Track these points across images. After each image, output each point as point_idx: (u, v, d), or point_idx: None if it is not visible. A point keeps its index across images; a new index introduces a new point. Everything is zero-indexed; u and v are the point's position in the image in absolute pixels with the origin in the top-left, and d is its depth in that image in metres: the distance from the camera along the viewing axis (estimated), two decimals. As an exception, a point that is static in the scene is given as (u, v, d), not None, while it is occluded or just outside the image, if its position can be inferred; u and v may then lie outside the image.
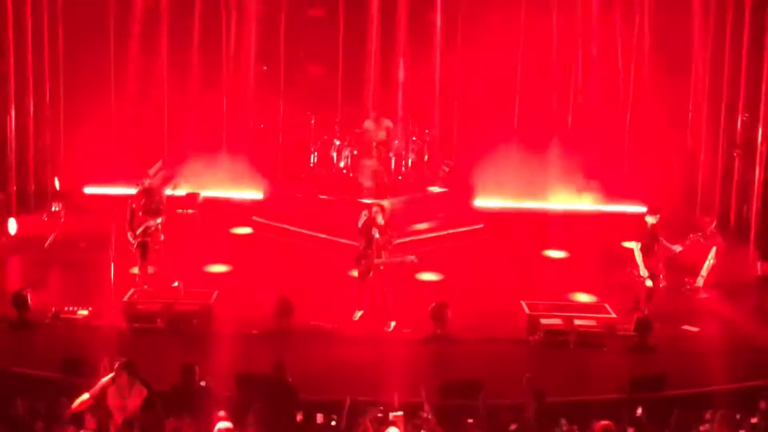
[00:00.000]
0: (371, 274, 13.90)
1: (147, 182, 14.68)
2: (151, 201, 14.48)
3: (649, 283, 14.12)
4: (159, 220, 14.48)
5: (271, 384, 10.65)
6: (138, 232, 14.39)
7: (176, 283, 14.52)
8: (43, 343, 13.29)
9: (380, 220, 13.85)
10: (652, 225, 14.17)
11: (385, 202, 16.27)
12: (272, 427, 10.24)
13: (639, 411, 10.28)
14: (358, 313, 14.10)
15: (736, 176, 17.81)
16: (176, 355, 12.30)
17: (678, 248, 14.44)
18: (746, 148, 17.57)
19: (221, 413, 10.07)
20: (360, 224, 14.04)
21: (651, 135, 19.04)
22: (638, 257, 14.17)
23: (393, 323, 13.95)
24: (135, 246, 14.43)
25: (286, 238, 17.43)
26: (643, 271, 14.11)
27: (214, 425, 9.64)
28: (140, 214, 14.44)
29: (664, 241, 14.22)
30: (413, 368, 12.55)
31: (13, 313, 13.63)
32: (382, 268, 13.85)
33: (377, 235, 13.77)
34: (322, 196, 17.91)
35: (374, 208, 13.97)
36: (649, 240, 14.16)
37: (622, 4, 18.92)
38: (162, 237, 14.56)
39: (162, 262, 14.64)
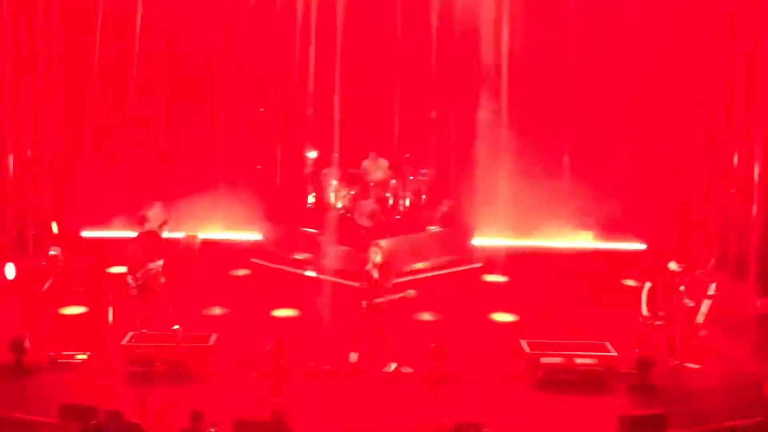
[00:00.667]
0: (369, 314, 13.85)
1: (147, 226, 14.67)
2: (151, 244, 14.47)
3: (658, 323, 14.06)
4: (160, 263, 14.46)
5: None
6: (138, 275, 14.38)
7: (176, 326, 14.47)
8: (41, 388, 13.21)
9: (378, 259, 13.85)
10: (673, 272, 14.13)
11: (383, 242, 16.29)
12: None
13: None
14: (354, 355, 14.03)
15: (734, 213, 17.82)
16: (176, 398, 12.25)
17: (691, 303, 14.39)
18: (743, 185, 17.59)
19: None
20: (367, 266, 13.99)
21: (647, 172, 19.07)
22: (644, 297, 14.14)
23: (394, 365, 13.88)
24: (135, 289, 14.39)
25: (284, 279, 17.40)
26: (645, 311, 14.07)
27: None
28: (140, 257, 14.41)
29: (683, 290, 14.11)
30: (414, 409, 12.50)
31: (11, 359, 13.55)
32: (383, 306, 13.80)
33: (376, 275, 13.76)
34: (320, 237, 17.92)
35: (372, 248, 13.98)
36: (663, 284, 14.11)
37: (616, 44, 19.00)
38: (162, 280, 14.53)
39: (162, 305, 14.60)
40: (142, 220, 14.74)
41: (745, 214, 17.58)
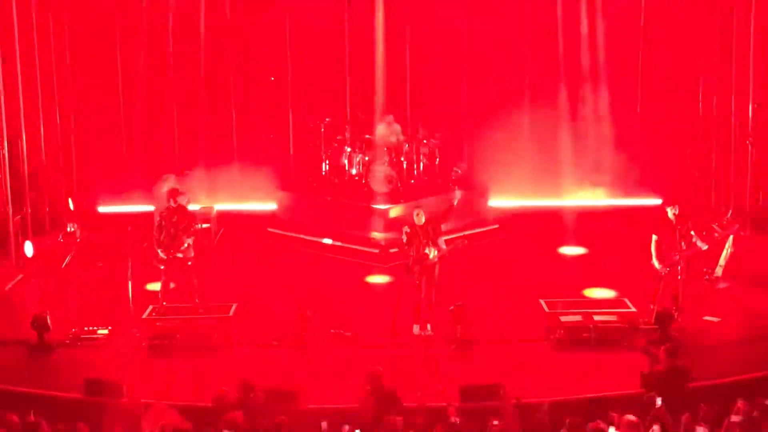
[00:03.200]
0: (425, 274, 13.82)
1: (182, 200, 14.67)
2: (182, 219, 14.48)
3: (668, 274, 14.03)
4: (191, 238, 14.48)
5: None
6: (171, 249, 14.39)
7: (196, 300, 14.57)
8: (64, 364, 13.31)
9: (422, 220, 13.86)
10: (674, 215, 14.05)
11: (399, 207, 16.32)
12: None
13: (659, 402, 10.18)
14: (417, 327, 13.97)
15: (750, 164, 17.73)
16: (198, 370, 12.34)
17: (704, 246, 14.28)
18: (759, 137, 17.49)
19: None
20: (405, 239, 13.97)
21: (663, 126, 18.97)
22: (654, 249, 14.09)
23: (417, 327, 13.91)
24: (166, 263, 14.42)
25: (301, 248, 17.44)
26: (657, 264, 14.03)
27: None
28: (171, 231, 14.42)
29: (693, 235, 14.05)
30: (435, 372, 12.54)
31: (34, 336, 13.66)
32: (437, 260, 13.77)
33: (428, 231, 13.71)
34: (335, 204, 17.93)
35: (415, 211, 13.99)
36: (669, 231, 14.05)
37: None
38: (192, 253, 14.56)
39: (191, 278, 14.63)
40: (173, 194, 14.73)
41: (761, 165, 17.48)
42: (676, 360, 11.29)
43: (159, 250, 14.43)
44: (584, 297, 14.91)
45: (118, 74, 19.13)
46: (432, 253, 13.75)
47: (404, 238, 13.96)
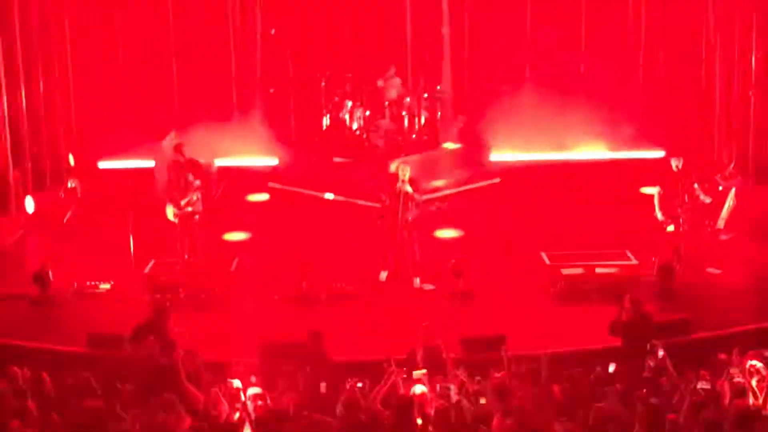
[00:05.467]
0: (399, 231, 13.85)
1: (187, 154, 14.60)
2: (191, 173, 14.42)
3: (670, 228, 14.02)
4: (200, 191, 14.44)
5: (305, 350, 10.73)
6: (183, 203, 14.35)
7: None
8: (66, 318, 13.36)
9: (407, 175, 13.82)
10: (677, 167, 14.01)
11: (398, 161, 16.26)
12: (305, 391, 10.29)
13: (660, 353, 10.24)
14: (384, 274, 14.08)
15: (753, 116, 17.64)
16: (199, 325, 12.37)
17: (708, 199, 14.27)
18: (761, 87, 17.38)
19: (252, 379, 10.11)
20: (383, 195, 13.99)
21: (665, 78, 18.86)
22: (657, 202, 14.06)
23: (418, 279, 13.94)
24: (177, 217, 14.39)
25: (303, 203, 17.42)
26: (660, 216, 14.00)
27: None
28: (181, 184, 14.36)
29: (697, 188, 14.03)
30: (436, 325, 12.56)
31: (36, 291, 13.68)
32: (410, 220, 13.79)
33: (409, 189, 13.71)
34: (337, 159, 17.88)
35: (400, 165, 13.95)
36: (672, 184, 14.01)
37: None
38: (201, 207, 14.52)
39: (196, 232, 14.60)
40: (180, 148, 14.66)
41: (764, 117, 17.40)
42: (640, 309, 11.37)
43: (170, 205, 14.39)
44: (586, 249, 14.89)
45: (117, 28, 18.99)
46: (410, 211, 13.74)
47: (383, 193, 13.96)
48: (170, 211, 14.35)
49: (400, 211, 13.74)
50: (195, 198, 14.41)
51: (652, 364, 10.20)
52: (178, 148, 14.74)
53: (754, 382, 9.76)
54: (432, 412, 9.16)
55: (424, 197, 14.23)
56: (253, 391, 9.68)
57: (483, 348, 11.41)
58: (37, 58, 17.87)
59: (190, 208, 14.35)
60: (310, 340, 10.90)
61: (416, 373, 9.94)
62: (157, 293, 13.56)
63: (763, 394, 9.67)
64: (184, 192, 14.36)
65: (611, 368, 10.61)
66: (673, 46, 18.70)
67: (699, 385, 9.46)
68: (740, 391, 9.49)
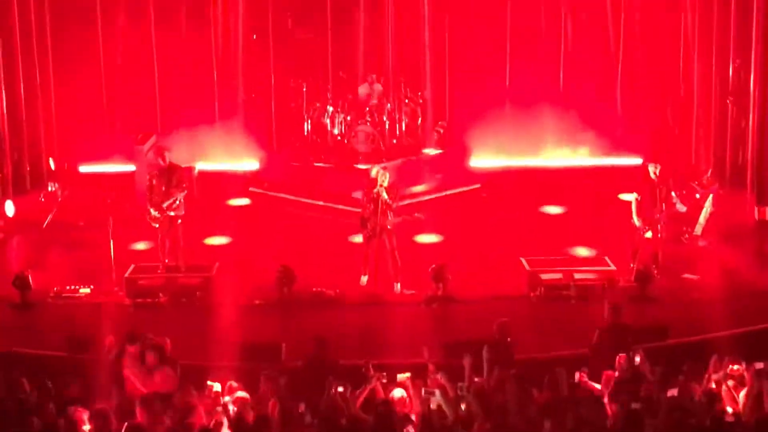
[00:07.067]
0: (378, 237, 13.90)
1: (168, 159, 14.53)
2: (173, 177, 14.39)
3: (649, 234, 14.13)
4: (182, 195, 14.42)
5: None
6: (165, 206, 14.31)
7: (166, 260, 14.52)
8: (46, 323, 13.32)
9: (386, 181, 13.87)
10: (654, 174, 14.11)
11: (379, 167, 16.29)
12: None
13: (637, 359, 10.32)
14: (365, 278, 14.12)
15: (731, 123, 17.78)
16: (180, 329, 12.37)
17: (683, 208, 14.40)
18: (739, 95, 17.53)
19: (233, 383, 10.13)
20: (363, 197, 14.03)
21: (643, 86, 18.98)
22: (634, 208, 14.18)
23: (399, 285, 13.98)
24: (159, 221, 14.36)
25: (283, 208, 17.44)
26: (638, 222, 14.12)
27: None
28: (162, 189, 14.33)
29: (674, 196, 14.15)
30: (417, 330, 12.62)
31: (16, 295, 13.65)
32: (389, 228, 13.86)
33: (385, 196, 13.77)
34: (317, 164, 17.93)
35: (379, 171, 14.00)
36: (650, 190, 14.11)
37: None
38: (183, 211, 14.48)
39: (178, 236, 14.58)
40: (161, 152, 14.62)
41: (741, 124, 17.54)
42: (619, 318, 11.43)
43: (152, 209, 14.36)
44: (565, 255, 14.97)
45: (99, 32, 18.94)
46: (388, 217, 13.79)
47: (362, 196, 14.02)
48: (151, 216, 14.33)
49: (379, 216, 13.79)
50: (177, 202, 14.40)
51: (629, 369, 10.28)
52: (158, 152, 14.71)
53: (730, 388, 9.86)
54: (413, 416, 9.20)
55: (402, 203, 14.25)
56: (233, 395, 9.71)
57: (464, 353, 11.44)
58: (18, 62, 17.83)
59: (171, 213, 14.34)
60: (315, 347, 10.95)
61: (400, 377, 9.98)
62: (138, 297, 13.54)
63: (741, 401, 9.76)
64: (166, 196, 14.34)
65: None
66: (651, 53, 18.80)
67: (676, 391, 9.53)
68: (717, 398, 9.58)
